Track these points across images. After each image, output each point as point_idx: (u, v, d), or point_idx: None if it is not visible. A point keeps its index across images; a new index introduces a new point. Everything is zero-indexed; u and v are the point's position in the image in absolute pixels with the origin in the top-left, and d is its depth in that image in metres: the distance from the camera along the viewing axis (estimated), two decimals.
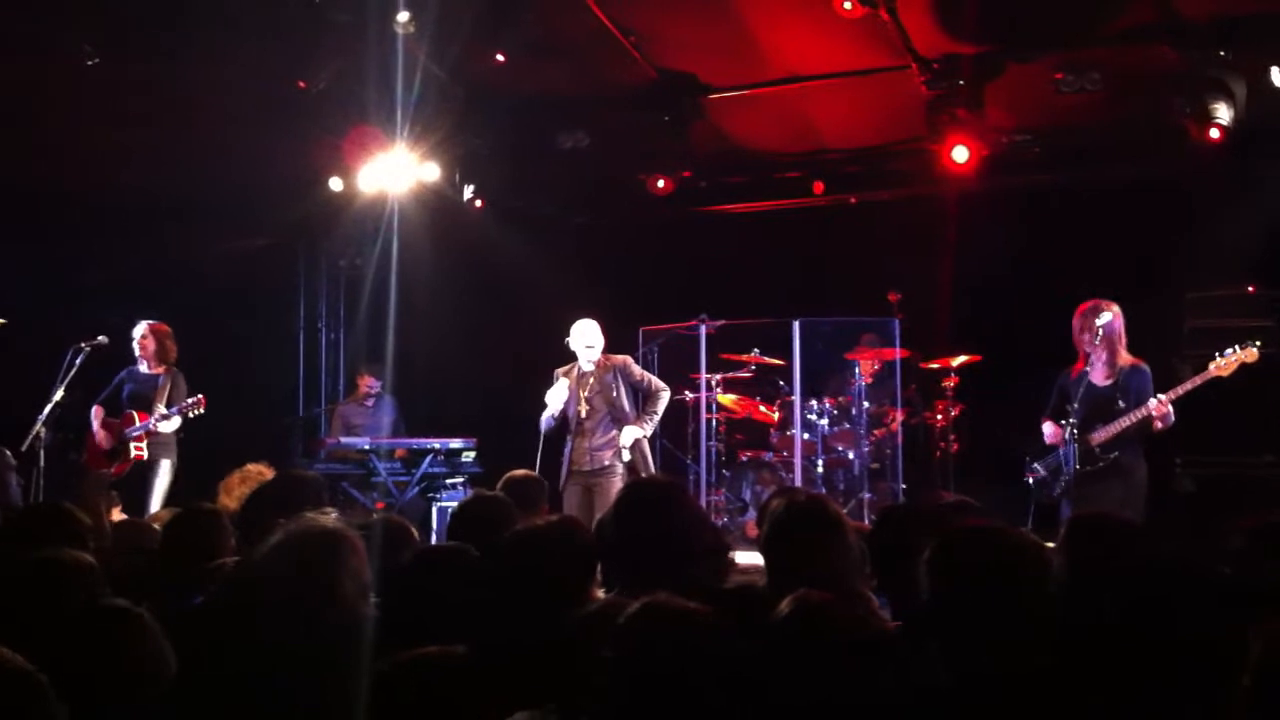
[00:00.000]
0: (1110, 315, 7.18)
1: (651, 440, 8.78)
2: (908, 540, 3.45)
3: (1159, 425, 7.04)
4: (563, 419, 8.49)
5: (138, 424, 8.86)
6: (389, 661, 2.71)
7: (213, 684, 2.70)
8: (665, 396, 8.58)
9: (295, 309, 12.67)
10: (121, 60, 8.45)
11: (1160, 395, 7.00)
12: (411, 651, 2.76)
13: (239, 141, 9.79)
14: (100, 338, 8.94)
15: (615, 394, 8.41)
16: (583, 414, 8.44)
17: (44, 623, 2.94)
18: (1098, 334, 7.13)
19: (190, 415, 8.93)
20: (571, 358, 8.56)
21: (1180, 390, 7.01)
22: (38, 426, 8.46)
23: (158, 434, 8.92)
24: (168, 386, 9.00)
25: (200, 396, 8.93)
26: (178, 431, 9.04)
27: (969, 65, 8.73)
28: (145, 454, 8.87)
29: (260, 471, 5.89)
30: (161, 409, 8.87)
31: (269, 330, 12.36)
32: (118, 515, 6.09)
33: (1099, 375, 7.27)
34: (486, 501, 4.72)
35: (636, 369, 8.63)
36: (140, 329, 9.19)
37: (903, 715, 2.68)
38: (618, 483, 8.16)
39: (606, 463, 8.36)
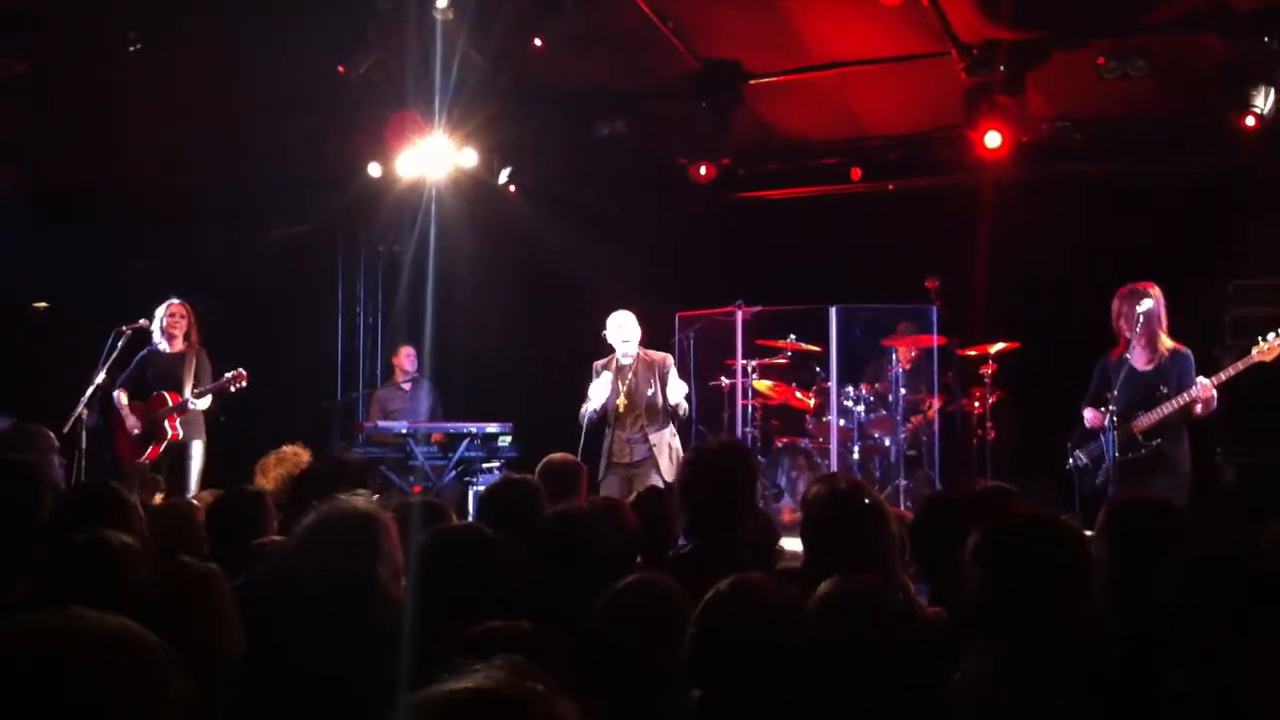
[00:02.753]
0: (1151, 301, 7.00)
1: (686, 425, 8.78)
2: (951, 528, 3.44)
3: (1199, 410, 6.89)
4: (601, 410, 8.50)
5: (170, 404, 8.82)
6: (457, 636, 2.72)
7: (253, 663, 2.73)
8: (684, 406, 8.60)
9: (334, 293, 12.73)
10: (164, 47, 8.53)
11: (1204, 379, 6.84)
12: (481, 626, 2.78)
13: (278, 128, 9.87)
14: (141, 320, 8.96)
15: (651, 390, 8.42)
16: (620, 408, 8.47)
17: (87, 603, 2.97)
18: (1138, 320, 6.96)
19: (233, 390, 8.85)
20: (610, 349, 8.58)
21: (1224, 375, 6.87)
22: (79, 409, 8.48)
23: (189, 413, 8.89)
24: (194, 365, 8.91)
25: (240, 370, 8.85)
26: (218, 413, 9.07)
27: (1010, 51, 8.64)
28: (181, 434, 8.84)
29: (296, 453, 5.92)
30: (193, 387, 8.83)
31: (308, 314, 12.44)
32: (159, 500, 6.13)
33: (1140, 360, 7.12)
34: (515, 485, 4.73)
35: (674, 373, 8.58)
36: (170, 306, 9.08)
37: (944, 701, 2.68)
38: (654, 474, 8.26)
39: (643, 454, 8.40)
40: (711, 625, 2.57)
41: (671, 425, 8.56)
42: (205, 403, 8.94)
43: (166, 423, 8.83)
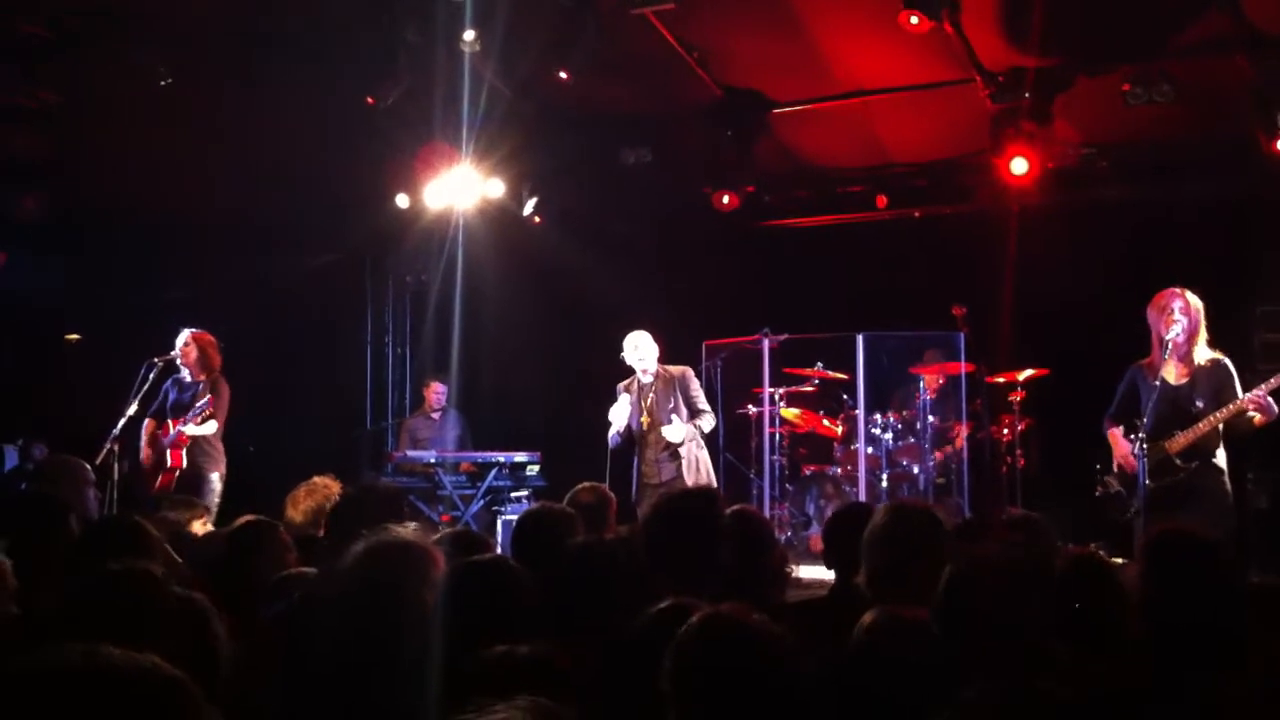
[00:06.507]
0: (1182, 304, 6.57)
1: (714, 454, 8.80)
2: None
3: (1260, 420, 6.34)
4: (628, 433, 8.56)
5: (171, 432, 8.84)
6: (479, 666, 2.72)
7: (295, 691, 2.75)
8: (710, 420, 8.66)
9: (362, 323, 12.81)
10: (196, 80, 8.62)
11: (1257, 388, 6.30)
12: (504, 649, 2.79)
13: (309, 158, 9.94)
14: (173, 352, 9.02)
15: (672, 405, 8.47)
16: (645, 426, 8.52)
17: (117, 633, 2.98)
18: (1173, 327, 6.50)
19: (211, 418, 8.77)
20: (631, 371, 8.64)
21: (1275, 381, 6.32)
22: (110, 440, 8.51)
23: (198, 443, 8.85)
24: (206, 394, 8.86)
25: (210, 397, 8.76)
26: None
27: (1035, 78, 8.64)
28: (185, 463, 8.80)
29: (326, 485, 5.90)
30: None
31: (337, 344, 12.51)
32: (201, 528, 6.13)
33: (1174, 373, 6.62)
34: (549, 513, 4.76)
35: (694, 385, 8.67)
36: (183, 337, 9.08)
37: None
38: None
39: (672, 474, 8.42)
40: (686, 659, 2.57)
41: (698, 437, 8.59)
42: (205, 430, 8.84)
43: (169, 452, 8.83)
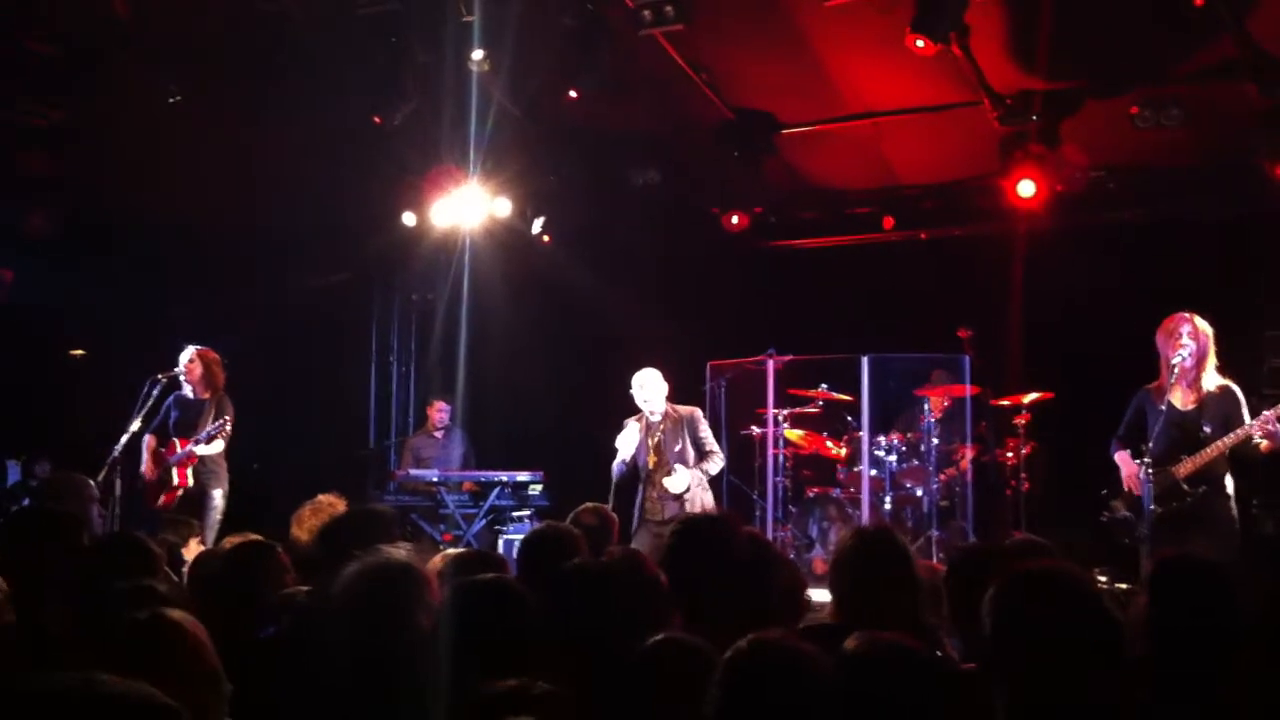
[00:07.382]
0: (1191, 330, 6.56)
1: (717, 475, 8.76)
2: (982, 580, 3.42)
3: (1267, 446, 6.28)
4: (633, 466, 8.49)
5: (178, 450, 8.84)
6: (480, 693, 2.70)
7: (292, 712, 2.74)
8: (718, 463, 8.57)
9: (368, 342, 12.82)
10: (204, 98, 8.65)
11: (1265, 413, 6.26)
12: (503, 683, 2.77)
13: (315, 175, 9.96)
14: (177, 369, 9.02)
15: (679, 446, 8.40)
16: (650, 465, 8.45)
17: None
18: (1181, 351, 6.47)
19: (219, 438, 8.79)
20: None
21: None
22: (113, 457, 8.50)
23: (203, 461, 8.87)
24: (212, 412, 8.89)
25: (225, 420, 8.79)
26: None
27: (1044, 101, 8.63)
28: (190, 481, 8.82)
29: (331, 503, 5.88)
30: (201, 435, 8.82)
31: (342, 363, 12.51)
32: (195, 547, 6.12)
33: (1182, 398, 6.62)
34: (555, 532, 4.74)
35: (703, 426, 8.58)
36: (187, 354, 9.09)
37: None
38: None
39: (675, 512, 8.33)
40: (734, 683, 2.54)
41: (704, 480, 8.51)
42: (213, 449, 8.87)
43: (175, 470, 8.84)
